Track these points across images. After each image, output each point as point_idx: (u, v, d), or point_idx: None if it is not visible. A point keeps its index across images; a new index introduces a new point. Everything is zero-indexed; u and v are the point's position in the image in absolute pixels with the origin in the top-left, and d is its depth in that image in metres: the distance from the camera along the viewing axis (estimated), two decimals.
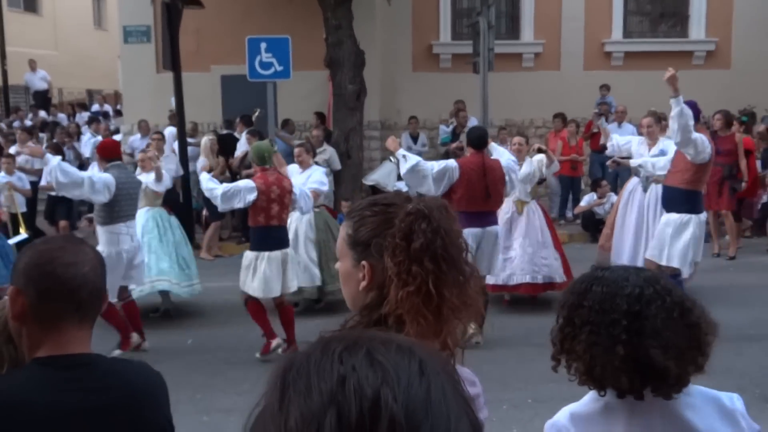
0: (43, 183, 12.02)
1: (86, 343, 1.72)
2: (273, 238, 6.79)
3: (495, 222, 7.16)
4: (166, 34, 12.18)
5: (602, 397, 1.80)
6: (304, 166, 8.07)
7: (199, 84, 13.47)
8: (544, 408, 1.84)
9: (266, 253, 6.70)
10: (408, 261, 1.59)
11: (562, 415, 1.87)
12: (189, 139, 12.61)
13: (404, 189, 6.57)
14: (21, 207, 10.32)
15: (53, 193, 11.77)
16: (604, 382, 1.77)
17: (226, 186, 6.81)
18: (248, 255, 6.80)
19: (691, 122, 6.98)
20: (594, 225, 11.83)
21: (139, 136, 13.46)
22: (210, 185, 6.81)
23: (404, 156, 6.87)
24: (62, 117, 19.23)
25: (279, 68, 11.74)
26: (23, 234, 9.17)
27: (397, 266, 1.59)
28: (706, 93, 13.45)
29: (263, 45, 11.78)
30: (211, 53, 13.95)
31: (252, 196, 6.56)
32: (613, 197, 11.94)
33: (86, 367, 1.68)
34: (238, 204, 6.65)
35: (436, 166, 6.90)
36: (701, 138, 7.13)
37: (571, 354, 1.80)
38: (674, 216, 7.34)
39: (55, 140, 13.78)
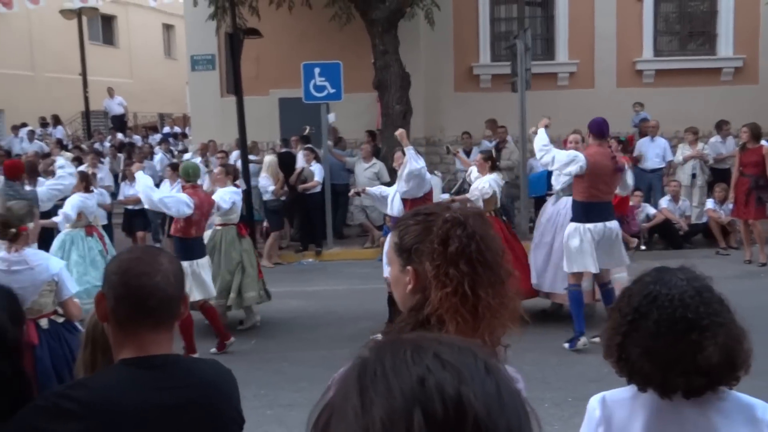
0: (120, 198, 12.40)
1: (165, 345, 1.74)
2: (201, 246, 7.07)
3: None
4: (229, 62, 12.40)
5: (634, 386, 1.79)
6: (221, 184, 7.97)
7: (259, 106, 13.66)
8: (584, 406, 1.81)
9: (197, 261, 6.89)
10: (445, 264, 1.62)
11: (596, 397, 1.88)
12: (250, 156, 12.78)
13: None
14: (102, 220, 10.58)
15: (131, 207, 12.10)
16: (615, 368, 1.81)
17: (166, 194, 6.87)
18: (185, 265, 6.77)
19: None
20: (629, 234, 11.62)
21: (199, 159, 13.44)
22: (147, 189, 6.80)
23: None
24: (137, 138, 19.69)
25: (331, 91, 11.89)
26: None
27: (436, 269, 1.62)
28: (734, 108, 13.18)
29: (317, 70, 11.94)
30: (270, 78, 14.15)
31: (189, 210, 6.73)
32: (648, 207, 11.75)
33: (167, 367, 1.72)
34: (169, 211, 6.82)
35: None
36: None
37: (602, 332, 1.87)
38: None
39: (132, 159, 14.10)
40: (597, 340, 6.36)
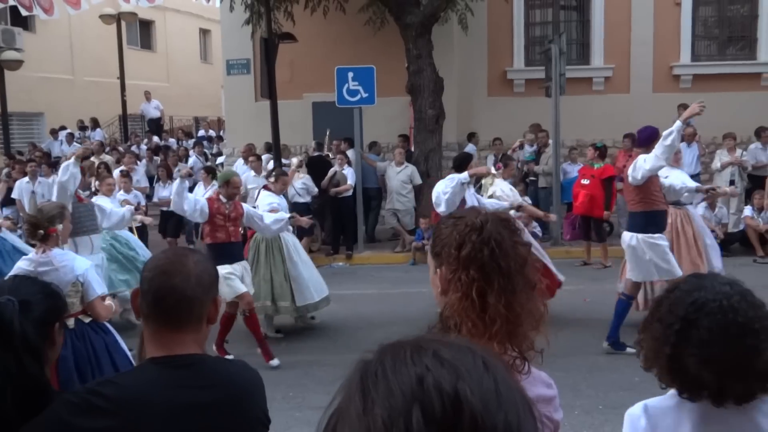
0: (155, 199, 12.58)
1: (190, 346, 1.74)
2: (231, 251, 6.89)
3: None
4: (264, 67, 12.53)
5: (679, 395, 1.76)
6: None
7: (292, 110, 13.76)
8: (614, 414, 1.79)
9: (230, 265, 6.76)
10: (459, 269, 1.63)
11: (638, 406, 1.84)
12: (284, 160, 12.87)
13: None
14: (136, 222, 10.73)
15: (165, 209, 12.26)
16: (661, 378, 1.76)
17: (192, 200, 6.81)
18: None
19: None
20: None
21: (241, 161, 13.58)
22: (184, 194, 6.74)
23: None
24: (172, 141, 19.97)
25: (365, 95, 11.92)
26: None
27: (451, 273, 1.64)
28: None
29: (350, 74, 11.98)
30: (304, 82, 14.24)
31: (205, 214, 6.70)
32: None
33: (195, 367, 1.73)
34: (189, 210, 6.72)
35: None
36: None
37: (640, 343, 1.82)
38: None
39: (168, 161, 14.32)
40: (631, 350, 6.29)
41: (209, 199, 6.88)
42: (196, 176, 11.88)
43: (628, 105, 14.21)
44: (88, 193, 8.27)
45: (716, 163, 12.25)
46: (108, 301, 4.57)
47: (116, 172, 12.42)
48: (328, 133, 13.08)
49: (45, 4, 15.96)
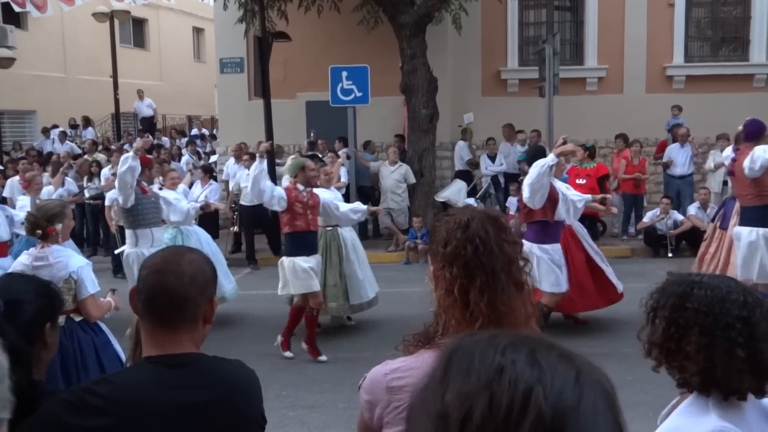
0: None
1: (186, 345, 1.73)
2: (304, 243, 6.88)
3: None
4: (257, 65, 12.52)
5: (702, 399, 1.71)
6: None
7: (286, 109, 13.74)
8: None
9: (299, 258, 6.78)
10: (443, 265, 1.64)
11: (710, 424, 1.68)
12: (276, 160, 12.85)
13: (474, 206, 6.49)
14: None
15: None
16: (726, 383, 1.67)
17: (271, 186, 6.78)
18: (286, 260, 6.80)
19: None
20: (656, 240, 11.49)
21: (233, 160, 13.60)
22: (262, 174, 6.70)
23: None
24: (165, 140, 19.91)
25: (358, 94, 11.93)
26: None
27: (439, 270, 1.66)
28: (766, 114, 12.91)
29: (344, 73, 11.98)
30: (297, 81, 14.22)
31: (283, 202, 6.66)
32: (675, 214, 11.59)
33: (191, 366, 1.73)
34: (267, 196, 6.66)
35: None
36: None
37: (678, 354, 1.71)
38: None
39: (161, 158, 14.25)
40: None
41: (287, 189, 6.84)
42: (194, 175, 11.83)
43: (621, 105, 14.26)
44: (157, 186, 8.24)
45: (709, 164, 12.29)
46: (109, 297, 4.55)
47: (106, 171, 12.40)
48: (312, 133, 13.14)
49: (38, 2, 15.90)
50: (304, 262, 6.66)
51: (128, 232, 7.29)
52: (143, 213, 7.15)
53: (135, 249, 7.15)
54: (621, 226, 12.65)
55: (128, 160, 6.90)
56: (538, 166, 6.45)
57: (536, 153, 7.22)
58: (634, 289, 7.14)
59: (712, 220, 7.68)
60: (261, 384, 1.90)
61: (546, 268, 6.70)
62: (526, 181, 6.61)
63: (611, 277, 7.27)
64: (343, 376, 6.17)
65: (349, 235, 7.82)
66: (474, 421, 0.70)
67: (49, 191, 9.24)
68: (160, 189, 8.37)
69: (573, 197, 7.03)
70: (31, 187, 8.50)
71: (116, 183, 7.24)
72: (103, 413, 1.58)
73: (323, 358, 6.77)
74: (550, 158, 6.46)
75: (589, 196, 7.45)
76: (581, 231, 7.41)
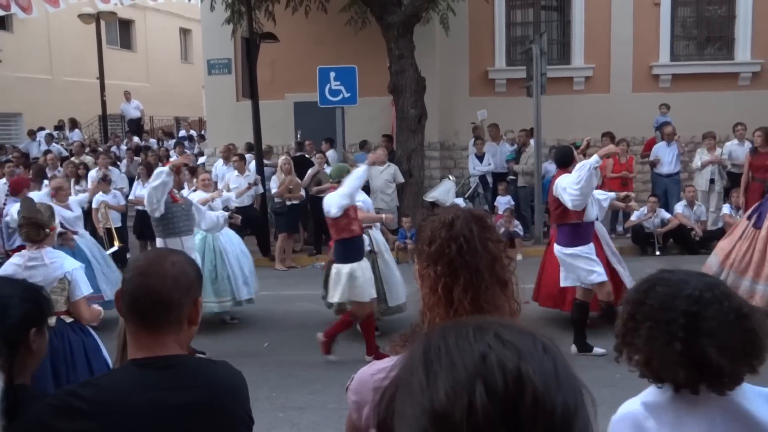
0: (131, 197, 12.38)
1: (172, 347, 1.72)
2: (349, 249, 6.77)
3: None
4: (245, 66, 12.48)
5: (660, 389, 1.77)
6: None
7: (274, 110, 13.71)
8: (597, 411, 1.76)
9: (347, 265, 6.71)
10: (427, 264, 1.66)
11: (633, 405, 1.82)
12: (265, 161, 12.83)
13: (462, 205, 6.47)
14: (115, 222, 10.65)
15: (140, 208, 12.13)
16: (662, 375, 1.75)
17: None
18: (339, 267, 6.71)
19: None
20: (643, 238, 11.55)
21: (221, 161, 13.53)
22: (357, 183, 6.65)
23: None
24: (153, 142, 19.83)
25: (347, 95, 11.92)
26: (116, 246, 9.51)
27: (424, 269, 1.68)
28: (752, 113, 13.04)
29: (332, 74, 11.97)
30: (285, 82, 14.20)
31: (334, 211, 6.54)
32: (663, 212, 11.66)
33: (176, 368, 1.72)
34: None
35: None
36: None
37: (632, 346, 1.79)
38: None
39: (148, 161, 14.19)
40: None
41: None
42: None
43: (608, 104, 14.34)
44: (187, 192, 8.10)
45: (696, 162, 12.38)
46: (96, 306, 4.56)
47: (93, 174, 12.32)
48: (298, 134, 13.13)
49: (23, 3, 15.75)
50: (359, 269, 6.58)
51: (158, 241, 7.05)
52: (174, 221, 6.86)
53: None
54: (608, 225, 12.69)
55: (162, 175, 6.60)
56: (582, 169, 6.25)
57: (564, 154, 6.96)
58: None
59: (748, 218, 7.65)
60: (250, 385, 1.89)
61: (584, 262, 6.60)
62: (572, 185, 6.32)
63: (624, 278, 7.19)
64: (332, 377, 6.16)
65: (380, 237, 7.81)
66: (478, 410, 0.72)
67: (81, 200, 8.94)
68: (195, 191, 8.35)
69: (598, 196, 6.97)
70: (58, 195, 8.03)
71: (145, 196, 6.98)
72: (87, 416, 1.57)
73: (332, 357, 6.73)
74: (594, 159, 6.29)
75: (613, 194, 7.49)
76: (602, 231, 7.39)
